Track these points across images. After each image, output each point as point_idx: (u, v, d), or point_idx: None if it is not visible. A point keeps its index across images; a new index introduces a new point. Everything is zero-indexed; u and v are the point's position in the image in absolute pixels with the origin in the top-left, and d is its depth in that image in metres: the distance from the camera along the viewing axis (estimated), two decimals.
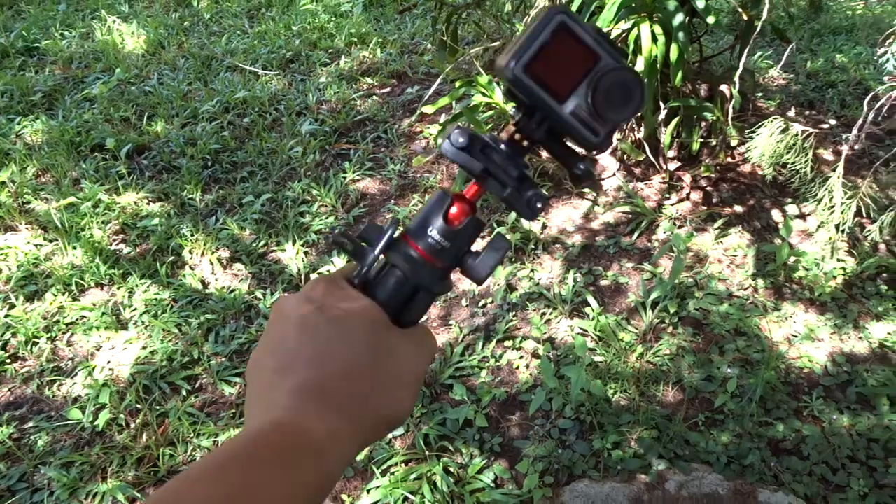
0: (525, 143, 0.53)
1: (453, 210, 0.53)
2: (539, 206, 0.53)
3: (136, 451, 2.05)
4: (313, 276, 2.65)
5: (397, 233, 0.54)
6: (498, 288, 2.57)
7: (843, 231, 2.32)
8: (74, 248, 2.81)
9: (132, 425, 2.14)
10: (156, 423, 2.14)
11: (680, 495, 1.83)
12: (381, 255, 0.53)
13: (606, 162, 3.15)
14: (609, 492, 1.85)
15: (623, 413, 2.09)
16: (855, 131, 2.17)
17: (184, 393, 2.25)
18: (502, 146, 0.53)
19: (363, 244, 0.53)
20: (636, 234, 2.79)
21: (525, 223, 2.82)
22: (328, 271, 2.62)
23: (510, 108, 0.54)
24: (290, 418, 0.43)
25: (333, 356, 0.47)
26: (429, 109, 3.14)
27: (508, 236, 2.75)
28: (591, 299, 2.48)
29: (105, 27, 4.84)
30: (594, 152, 0.52)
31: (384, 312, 0.51)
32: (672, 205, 2.94)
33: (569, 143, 0.54)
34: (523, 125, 0.52)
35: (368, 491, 1.93)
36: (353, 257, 0.53)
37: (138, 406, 2.20)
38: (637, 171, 3.11)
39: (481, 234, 0.55)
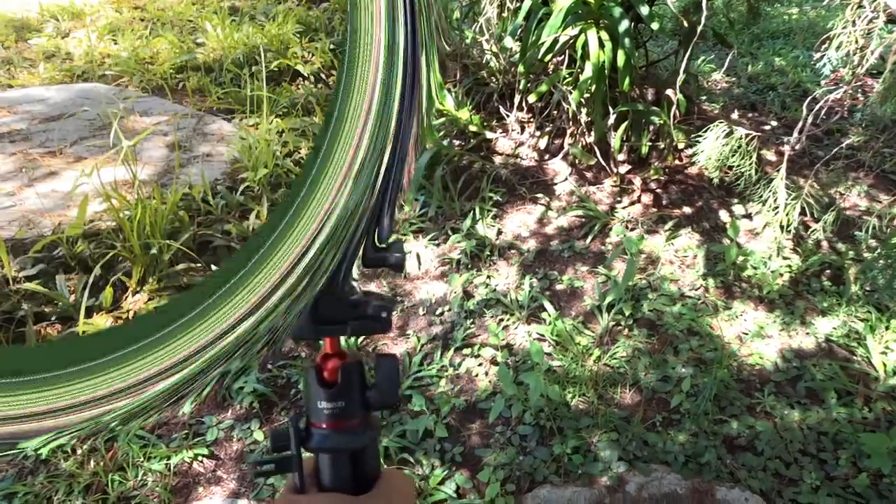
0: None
1: (325, 374, 0.53)
2: (386, 315, 0.52)
3: (84, 478, 1.97)
4: None
5: (302, 423, 0.54)
6: (455, 296, 2.56)
7: (788, 231, 2.39)
8: None
9: (78, 451, 2.05)
10: (104, 447, 2.06)
11: (640, 496, 1.84)
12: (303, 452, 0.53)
13: (559, 167, 3.18)
14: (571, 496, 1.85)
15: (582, 417, 2.10)
16: (796, 133, 2.24)
17: None
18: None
19: (281, 455, 0.53)
20: (590, 238, 2.82)
21: (480, 230, 2.82)
22: None
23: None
24: None
25: None
26: None
27: (463, 244, 2.75)
28: (547, 304, 2.49)
29: None
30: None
31: (342, 496, 0.52)
32: (623, 208, 2.98)
33: None
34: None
35: None
36: (283, 471, 0.53)
37: None
38: (589, 175, 3.15)
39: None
